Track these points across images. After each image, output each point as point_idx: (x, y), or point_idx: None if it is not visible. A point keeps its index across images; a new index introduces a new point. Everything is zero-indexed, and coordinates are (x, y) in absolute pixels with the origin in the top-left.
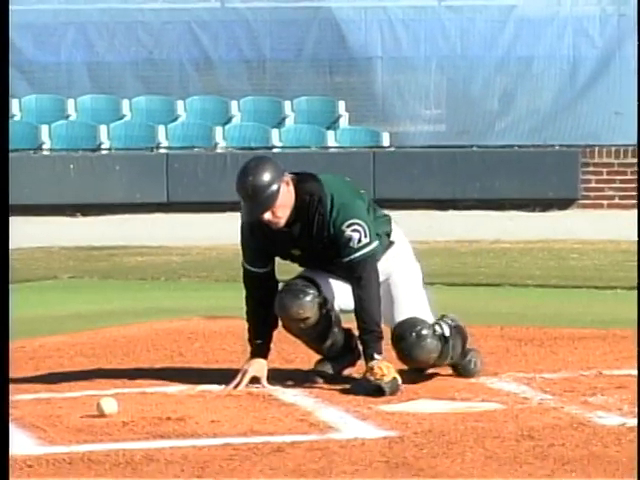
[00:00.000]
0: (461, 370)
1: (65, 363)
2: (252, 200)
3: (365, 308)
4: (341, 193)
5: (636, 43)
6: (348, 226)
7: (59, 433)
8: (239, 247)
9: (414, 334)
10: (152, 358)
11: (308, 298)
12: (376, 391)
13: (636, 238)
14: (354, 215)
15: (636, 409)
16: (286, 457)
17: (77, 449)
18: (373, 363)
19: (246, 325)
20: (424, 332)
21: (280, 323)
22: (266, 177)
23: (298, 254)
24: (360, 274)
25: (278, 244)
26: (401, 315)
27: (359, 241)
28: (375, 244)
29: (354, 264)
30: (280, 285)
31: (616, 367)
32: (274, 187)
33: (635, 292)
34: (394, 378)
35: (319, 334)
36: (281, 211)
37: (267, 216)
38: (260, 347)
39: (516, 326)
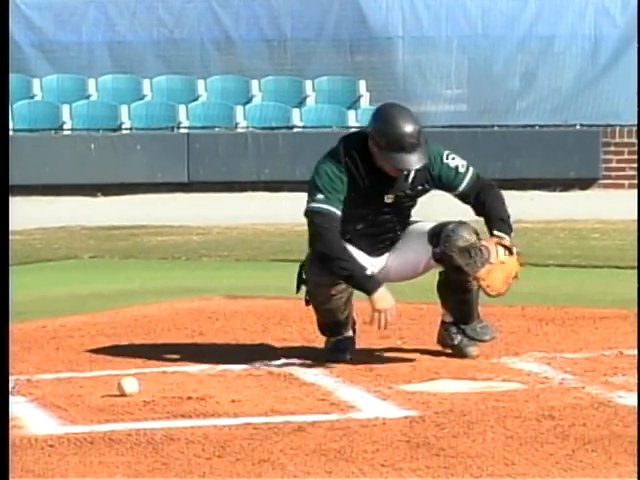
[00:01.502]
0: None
1: (86, 343)
2: (414, 149)
3: (498, 205)
4: (430, 143)
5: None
6: (447, 157)
7: (80, 413)
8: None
9: (454, 222)
10: (173, 337)
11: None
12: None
13: None
14: (444, 150)
15: None
16: (307, 437)
17: (98, 429)
18: (497, 239)
19: (339, 267)
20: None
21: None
22: (419, 127)
23: (390, 202)
24: (482, 185)
25: (379, 188)
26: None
27: (462, 165)
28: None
29: (472, 185)
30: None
31: (637, 347)
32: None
33: None
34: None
35: (344, 302)
36: None
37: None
38: (372, 277)
39: (537, 306)
